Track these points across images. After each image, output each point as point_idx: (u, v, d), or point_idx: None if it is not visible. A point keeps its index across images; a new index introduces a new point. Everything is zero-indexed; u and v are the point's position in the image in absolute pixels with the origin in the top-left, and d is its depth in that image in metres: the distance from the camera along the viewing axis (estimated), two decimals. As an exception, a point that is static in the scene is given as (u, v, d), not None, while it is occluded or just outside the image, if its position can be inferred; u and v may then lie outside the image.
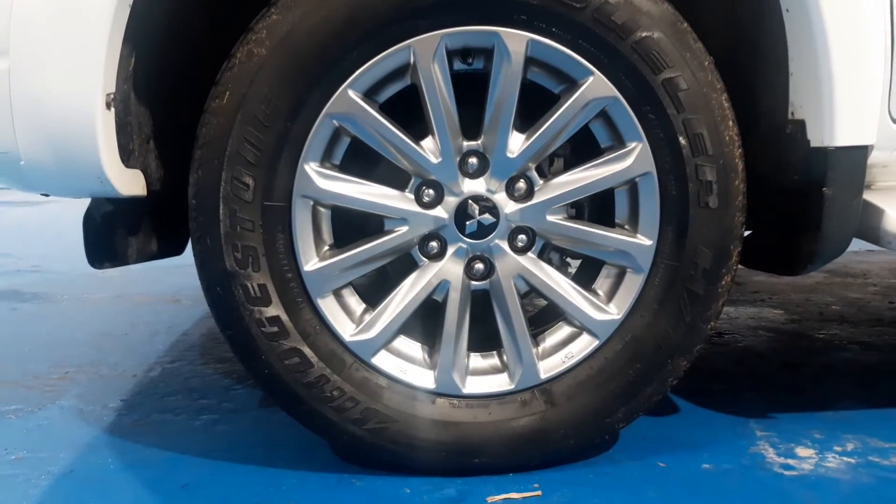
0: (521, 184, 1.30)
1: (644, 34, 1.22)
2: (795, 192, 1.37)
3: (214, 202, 1.22)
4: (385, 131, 1.25)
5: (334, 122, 1.24)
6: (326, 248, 1.30)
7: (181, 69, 1.43)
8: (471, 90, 1.28)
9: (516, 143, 1.29)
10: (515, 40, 1.23)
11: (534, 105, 1.30)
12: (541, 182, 1.30)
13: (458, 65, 1.28)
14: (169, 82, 1.41)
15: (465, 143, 1.28)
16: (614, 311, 1.32)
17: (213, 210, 1.22)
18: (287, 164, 1.22)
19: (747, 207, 1.30)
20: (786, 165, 1.37)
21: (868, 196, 1.39)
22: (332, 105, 1.22)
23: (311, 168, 1.24)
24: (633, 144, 1.27)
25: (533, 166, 1.30)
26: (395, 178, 1.29)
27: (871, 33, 1.27)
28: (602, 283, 1.35)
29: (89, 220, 1.39)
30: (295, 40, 1.19)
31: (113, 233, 1.41)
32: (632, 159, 1.28)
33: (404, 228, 1.29)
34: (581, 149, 1.36)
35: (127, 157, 1.30)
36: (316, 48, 1.19)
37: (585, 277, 1.40)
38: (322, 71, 1.20)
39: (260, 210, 1.23)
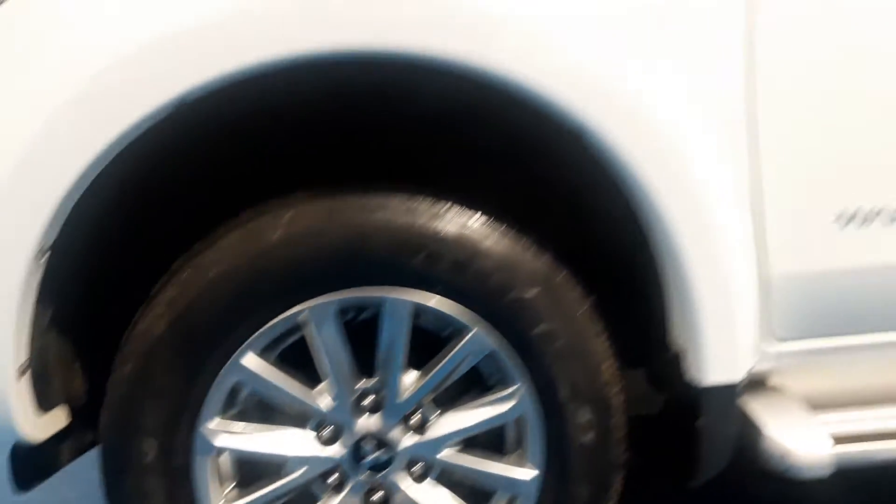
0: (416, 419, 1.39)
1: (518, 294, 1.31)
2: (678, 411, 1.45)
3: (119, 466, 1.31)
4: (279, 386, 1.34)
5: (232, 380, 1.33)
6: (231, 487, 1.40)
7: (104, 277, 1.49)
8: (366, 330, 1.37)
9: (410, 381, 1.37)
10: (401, 303, 1.31)
11: (429, 341, 1.39)
12: (435, 417, 1.39)
13: (351, 314, 1.37)
14: (91, 299, 1.49)
15: (361, 383, 1.37)
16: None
17: (118, 473, 1.32)
18: (186, 426, 1.31)
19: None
20: (669, 388, 1.45)
21: (749, 405, 1.46)
22: (228, 368, 1.31)
23: (210, 427, 1.33)
24: (516, 388, 1.36)
25: (428, 401, 1.39)
26: (296, 417, 1.38)
27: (738, 271, 1.33)
28: (496, 506, 1.44)
29: (16, 450, 1.47)
30: (191, 315, 1.28)
31: (42, 451, 1.49)
32: (514, 401, 1.36)
33: (304, 468, 1.38)
34: (477, 381, 1.44)
35: (47, 401, 1.38)
36: (211, 321, 1.28)
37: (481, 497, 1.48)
38: (218, 340, 1.29)
39: (162, 471, 1.32)
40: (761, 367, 1.45)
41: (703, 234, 1.29)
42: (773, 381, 1.52)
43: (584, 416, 1.35)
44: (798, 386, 1.51)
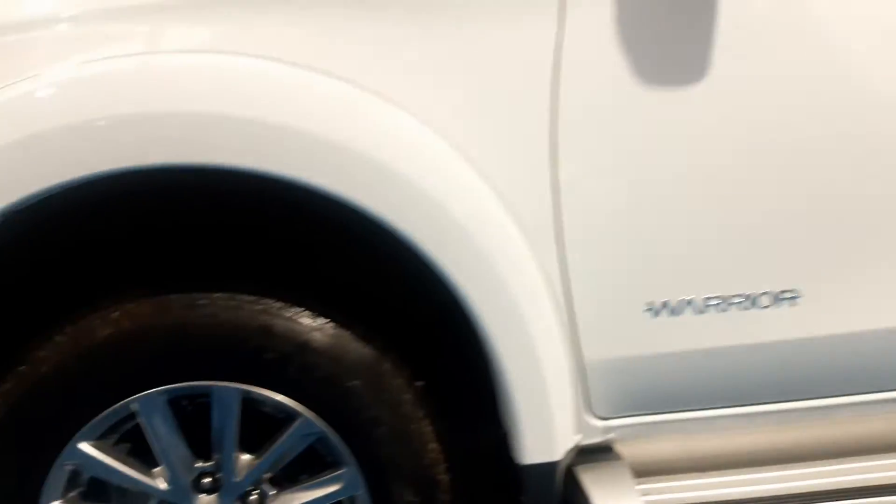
0: (254, 498, 1.46)
1: (343, 383, 1.38)
2: (508, 485, 1.53)
3: (-42, 555, 1.38)
4: (117, 469, 1.40)
5: (70, 465, 1.39)
6: (75, 565, 1.46)
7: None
8: (201, 412, 1.43)
9: (246, 462, 1.44)
10: (229, 392, 1.38)
11: (264, 422, 1.46)
12: (273, 496, 1.46)
13: (184, 401, 1.44)
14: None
15: (199, 463, 1.44)
16: None
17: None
18: (25, 510, 1.38)
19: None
20: (499, 466, 1.53)
21: (582, 475, 1.54)
22: (64, 456, 1.37)
23: (49, 511, 1.40)
24: (345, 469, 1.43)
25: (266, 479, 1.46)
26: (138, 497, 1.45)
27: (550, 360, 1.39)
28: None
29: None
30: (25, 407, 1.34)
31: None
32: (344, 481, 1.44)
33: (147, 547, 1.45)
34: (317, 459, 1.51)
35: None
36: (44, 413, 1.34)
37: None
38: (52, 430, 1.36)
39: (-1, 562, 1.38)
40: (590, 440, 1.53)
41: (512, 327, 1.36)
42: (607, 451, 1.60)
43: (409, 496, 1.43)
44: (631, 456, 1.59)
